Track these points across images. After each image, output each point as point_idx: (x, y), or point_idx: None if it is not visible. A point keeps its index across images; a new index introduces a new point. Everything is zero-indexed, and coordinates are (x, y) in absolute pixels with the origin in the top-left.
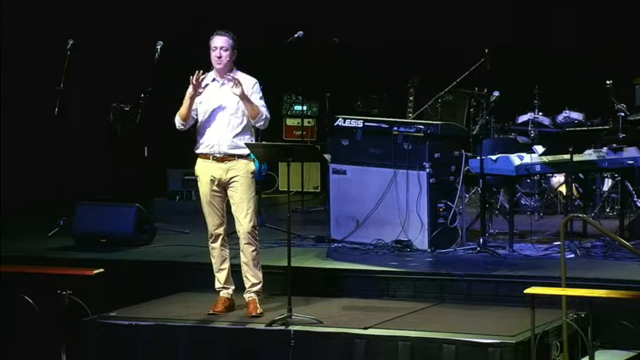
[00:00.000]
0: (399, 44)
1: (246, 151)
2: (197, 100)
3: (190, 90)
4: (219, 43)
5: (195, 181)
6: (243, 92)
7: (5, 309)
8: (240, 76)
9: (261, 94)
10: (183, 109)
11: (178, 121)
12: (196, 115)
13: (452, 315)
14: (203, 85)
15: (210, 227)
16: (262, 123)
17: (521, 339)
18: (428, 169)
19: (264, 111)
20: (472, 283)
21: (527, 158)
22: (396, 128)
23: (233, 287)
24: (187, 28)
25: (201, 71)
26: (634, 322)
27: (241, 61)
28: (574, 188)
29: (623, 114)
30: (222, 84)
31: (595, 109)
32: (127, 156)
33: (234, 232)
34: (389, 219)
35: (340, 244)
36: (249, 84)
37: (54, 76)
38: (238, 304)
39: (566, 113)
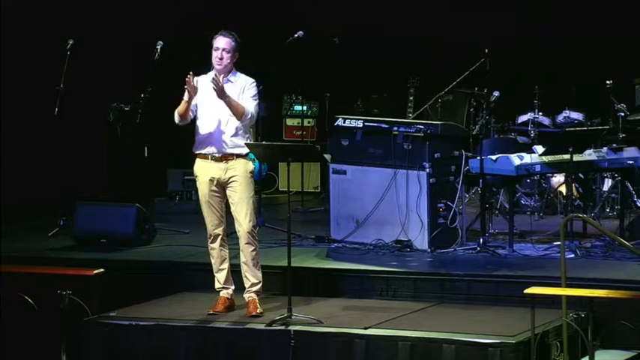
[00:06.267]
0: (399, 44)
1: (245, 151)
2: (196, 99)
3: (186, 95)
4: (222, 44)
5: (195, 181)
6: (223, 91)
7: (5, 309)
8: (240, 77)
9: (254, 93)
10: (181, 109)
11: (177, 118)
12: (196, 111)
13: (452, 315)
14: (201, 84)
15: (209, 227)
16: (247, 122)
17: (521, 339)
18: (428, 169)
19: (249, 110)
20: (472, 283)
21: (527, 158)
22: (396, 128)
23: (233, 287)
24: (187, 28)
25: (192, 74)
26: (634, 322)
27: (243, 61)
28: (574, 188)
29: (623, 114)
30: (223, 84)
31: (595, 109)
32: (127, 156)
33: (234, 232)
34: (389, 219)
35: (340, 244)
36: (246, 81)
37: (54, 76)
38: (238, 304)
39: (566, 113)
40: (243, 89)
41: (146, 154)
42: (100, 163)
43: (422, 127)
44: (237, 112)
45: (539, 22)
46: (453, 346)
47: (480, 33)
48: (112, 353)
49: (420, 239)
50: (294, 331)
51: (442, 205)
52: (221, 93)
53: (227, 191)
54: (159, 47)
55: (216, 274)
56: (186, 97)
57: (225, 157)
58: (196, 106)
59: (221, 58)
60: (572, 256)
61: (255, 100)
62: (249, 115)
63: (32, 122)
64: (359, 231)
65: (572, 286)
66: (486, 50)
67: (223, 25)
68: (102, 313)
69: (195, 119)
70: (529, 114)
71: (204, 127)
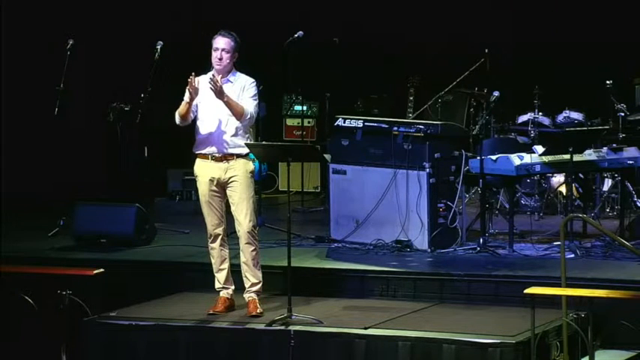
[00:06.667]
0: (399, 44)
1: (245, 151)
2: (196, 99)
3: (187, 95)
4: (221, 44)
5: (195, 181)
6: (221, 92)
7: (5, 309)
8: (240, 77)
9: (253, 93)
10: (182, 110)
11: (178, 119)
12: (196, 111)
13: (452, 315)
14: (201, 84)
15: (209, 227)
16: (247, 123)
17: (521, 339)
18: (428, 169)
19: (249, 110)
20: (472, 283)
21: (527, 158)
22: (396, 128)
23: (233, 287)
24: (187, 28)
25: (194, 75)
26: (634, 322)
27: (242, 61)
28: (574, 188)
29: (623, 114)
30: (221, 84)
31: (595, 109)
32: (127, 156)
33: (234, 232)
34: (389, 219)
35: (340, 244)
36: (246, 81)
37: (54, 76)
38: (238, 304)
39: (566, 113)
40: (243, 89)
41: (146, 154)
42: (100, 163)
43: (422, 127)
44: (237, 112)
45: (539, 22)
46: (453, 346)
47: (480, 33)
48: (112, 353)
49: (420, 239)
50: (294, 331)
51: (442, 205)
52: (219, 93)
53: (227, 191)
54: (159, 47)
55: (216, 274)
56: (187, 98)
57: (225, 157)
58: (196, 107)
59: (220, 59)
60: (572, 256)
61: (255, 99)
62: (249, 115)
63: (32, 122)
64: (359, 231)
65: (572, 286)
66: (486, 50)
67: (223, 25)
68: (102, 313)
69: (195, 119)
70: (529, 114)
71: (204, 127)
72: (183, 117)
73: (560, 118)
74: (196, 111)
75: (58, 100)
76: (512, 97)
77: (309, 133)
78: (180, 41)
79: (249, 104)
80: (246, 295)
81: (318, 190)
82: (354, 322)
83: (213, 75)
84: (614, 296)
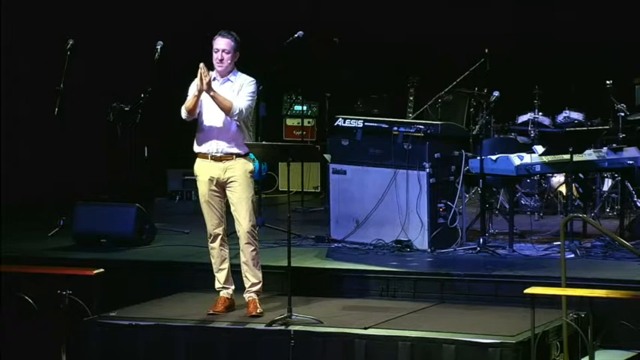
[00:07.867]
0: (399, 44)
1: (245, 150)
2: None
3: (195, 89)
4: (222, 45)
5: (195, 181)
6: (209, 85)
7: (5, 309)
8: (240, 76)
9: (250, 90)
10: (190, 104)
11: (184, 114)
12: (201, 107)
13: (452, 315)
14: (210, 79)
15: (209, 227)
16: (236, 118)
17: (521, 339)
18: (428, 169)
19: (237, 106)
20: (472, 283)
21: (527, 158)
22: (396, 128)
23: (233, 287)
24: (187, 28)
25: (203, 64)
26: (634, 322)
27: (242, 61)
28: (574, 188)
29: (623, 114)
30: (222, 84)
31: (595, 109)
32: (127, 156)
33: (234, 232)
34: (389, 219)
35: (340, 244)
36: (245, 79)
37: (54, 76)
38: (238, 304)
39: (566, 113)
40: (242, 87)
41: (146, 154)
42: (100, 163)
43: (422, 127)
44: (224, 106)
45: (539, 21)
46: (453, 346)
47: (479, 33)
48: (112, 353)
49: (420, 239)
50: (294, 331)
51: (442, 205)
52: (207, 86)
53: (227, 191)
54: (159, 47)
55: (216, 274)
56: (196, 91)
57: (224, 157)
58: (200, 102)
59: (221, 60)
60: (572, 256)
61: (250, 96)
62: (237, 111)
63: (32, 122)
64: (359, 231)
65: (572, 286)
66: (486, 50)
67: (223, 25)
68: (102, 313)
69: (195, 120)
70: (529, 114)
71: (204, 126)
72: (191, 111)
73: (560, 118)
74: (200, 107)
75: (58, 100)
76: (512, 97)
77: (309, 133)
78: (181, 41)
79: (241, 100)
80: (246, 295)
81: (318, 190)
82: (354, 322)
83: (202, 66)
84: (614, 296)
